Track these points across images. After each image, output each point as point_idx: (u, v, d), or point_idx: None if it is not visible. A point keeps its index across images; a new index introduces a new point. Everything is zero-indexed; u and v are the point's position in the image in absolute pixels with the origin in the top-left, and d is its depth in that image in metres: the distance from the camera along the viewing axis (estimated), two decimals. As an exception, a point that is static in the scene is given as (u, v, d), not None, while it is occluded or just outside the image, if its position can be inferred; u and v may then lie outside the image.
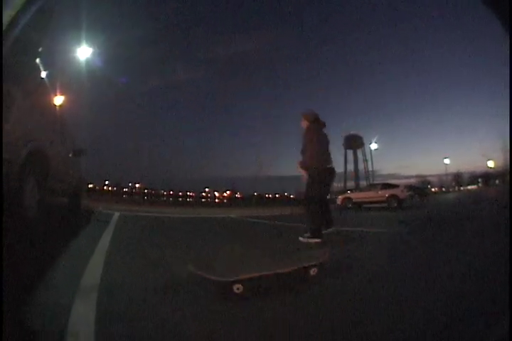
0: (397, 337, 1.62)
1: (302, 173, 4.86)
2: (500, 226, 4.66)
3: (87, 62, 12.41)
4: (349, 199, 17.73)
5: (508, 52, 1.28)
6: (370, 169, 57.43)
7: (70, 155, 5.89)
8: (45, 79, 4.07)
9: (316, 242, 4.23)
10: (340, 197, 18.60)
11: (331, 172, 4.95)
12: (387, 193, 16.05)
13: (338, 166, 56.02)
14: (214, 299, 2.18)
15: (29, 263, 2.53)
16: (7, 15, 1.47)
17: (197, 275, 2.27)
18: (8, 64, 1.81)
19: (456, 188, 54.40)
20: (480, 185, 51.68)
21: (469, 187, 53.91)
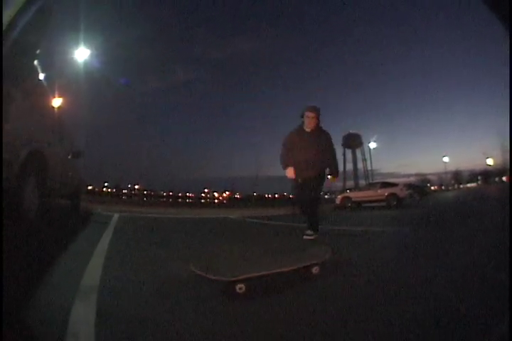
0: (397, 337, 1.63)
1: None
2: (500, 224, 4.67)
3: (85, 63, 12.42)
4: (348, 198, 17.71)
5: (508, 52, 1.28)
6: (369, 168, 57.46)
7: (69, 156, 5.89)
8: (44, 81, 4.08)
9: (310, 239, 4.43)
10: (339, 196, 18.58)
11: (314, 178, 4.69)
12: (386, 192, 16.05)
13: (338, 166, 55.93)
14: (214, 299, 2.18)
15: (28, 264, 2.53)
16: (6, 16, 1.48)
17: (198, 275, 2.27)
18: (7, 66, 1.82)
19: (456, 186, 54.47)
20: (479, 182, 51.75)
21: (469, 185, 53.99)
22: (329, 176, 4.89)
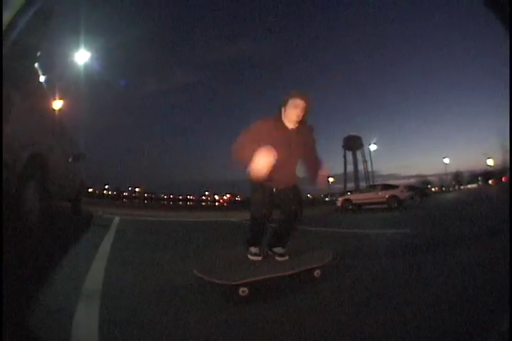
0: (397, 337, 1.62)
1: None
2: (500, 225, 4.66)
3: (86, 66, 12.43)
4: (349, 200, 17.68)
5: (508, 52, 1.28)
6: (370, 170, 57.47)
7: (70, 159, 5.88)
8: (44, 83, 4.07)
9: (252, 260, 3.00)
10: (340, 198, 18.55)
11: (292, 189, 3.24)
12: (387, 194, 16.02)
13: (338, 167, 56.03)
14: (217, 303, 2.18)
15: (30, 268, 2.53)
16: (6, 18, 1.47)
17: (200, 278, 2.29)
18: (7, 68, 1.81)
19: (456, 187, 54.43)
20: (480, 183, 51.69)
21: (469, 186, 53.94)
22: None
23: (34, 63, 3.45)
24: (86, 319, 1.81)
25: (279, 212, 2.99)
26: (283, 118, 3.19)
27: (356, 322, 1.82)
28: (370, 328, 1.72)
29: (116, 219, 7.79)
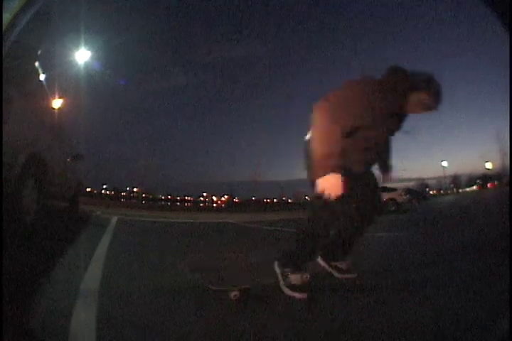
0: (397, 337, 1.62)
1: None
2: (498, 227, 4.68)
3: (86, 65, 12.42)
4: (347, 203, 17.66)
5: (508, 52, 1.28)
6: (368, 173, 57.51)
7: (68, 159, 5.87)
8: (44, 82, 4.07)
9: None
10: (338, 201, 18.57)
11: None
12: (385, 197, 16.04)
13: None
14: (214, 304, 2.18)
15: (28, 267, 2.52)
16: (6, 18, 1.47)
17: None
18: (7, 67, 1.81)
19: (455, 190, 54.49)
20: (496, 183, 51.61)
21: (468, 189, 53.98)
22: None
23: (34, 62, 3.45)
24: (84, 319, 1.81)
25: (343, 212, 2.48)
26: (410, 104, 2.30)
27: (355, 323, 1.82)
28: (370, 330, 1.72)
29: (114, 219, 7.79)
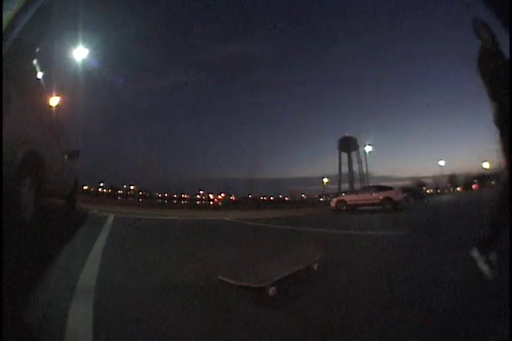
0: (397, 337, 1.64)
1: None
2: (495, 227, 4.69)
3: (84, 63, 12.34)
4: (343, 201, 17.68)
5: (508, 52, 1.29)
6: (365, 171, 57.45)
7: (65, 156, 5.86)
8: (42, 80, 4.06)
9: None
10: (334, 199, 18.56)
11: None
12: (381, 195, 16.04)
13: (333, 169, 55.87)
14: (208, 299, 2.21)
15: (25, 266, 2.53)
16: (7, 17, 1.48)
17: (225, 283, 2.41)
18: (6, 64, 1.81)
19: (452, 190, 54.50)
20: (473, 186, 51.65)
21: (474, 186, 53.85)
22: None
23: (33, 60, 3.45)
24: (81, 315, 1.82)
25: None
26: None
27: (356, 323, 1.84)
28: (372, 329, 1.73)
29: (111, 217, 7.78)
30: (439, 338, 1.61)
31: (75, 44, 11.37)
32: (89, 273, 2.65)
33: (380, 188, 17.07)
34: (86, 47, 12.03)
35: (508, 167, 2.77)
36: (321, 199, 38.07)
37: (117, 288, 2.42)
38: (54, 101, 4.78)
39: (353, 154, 60.65)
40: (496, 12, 1.35)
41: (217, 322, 1.85)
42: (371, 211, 14.75)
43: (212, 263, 3.32)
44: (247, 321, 1.92)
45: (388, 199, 15.68)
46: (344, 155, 60.65)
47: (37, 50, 3.05)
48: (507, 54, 1.31)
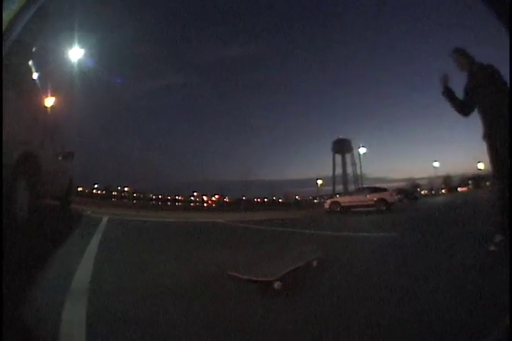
0: (397, 337, 1.65)
1: None
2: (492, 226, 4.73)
3: (79, 63, 12.28)
4: (337, 203, 17.70)
5: (508, 52, 1.30)
6: (359, 173, 57.58)
7: (60, 157, 5.84)
8: (37, 81, 4.05)
9: None
10: (328, 201, 18.59)
11: None
12: (375, 197, 16.08)
13: (327, 170, 55.98)
14: (201, 299, 2.24)
15: (18, 266, 2.52)
16: (6, 17, 1.48)
17: (236, 278, 2.62)
18: (5, 65, 1.81)
19: (445, 191, 54.72)
20: (470, 187, 51.83)
21: (459, 189, 54.10)
22: None
23: (29, 60, 3.44)
24: (75, 315, 1.83)
25: None
26: None
27: (354, 322, 1.85)
28: (371, 329, 1.75)
29: (105, 218, 7.77)
30: (438, 337, 1.62)
31: (70, 44, 11.33)
32: (83, 274, 2.65)
33: (374, 190, 17.12)
34: (82, 47, 11.99)
35: (508, 167, 2.84)
36: (315, 200, 38.19)
37: (111, 288, 2.43)
38: (49, 101, 4.77)
39: (347, 156, 60.68)
40: (496, 12, 1.36)
41: (213, 324, 1.86)
42: (365, 212, 14.75)
43: (201, 264, 3.34)
44: (257, 312, 1.99)
45: (382, 200, 15.72)
46: (338, 157, 60.72)
47: (33, 50, 3.05)
48: (507, 54, 1.33)
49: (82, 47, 11.98)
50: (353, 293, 2.40)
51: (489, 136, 3.23)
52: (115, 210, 12.35)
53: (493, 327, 1.31)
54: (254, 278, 2.56)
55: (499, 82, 3.14)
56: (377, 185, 18.44)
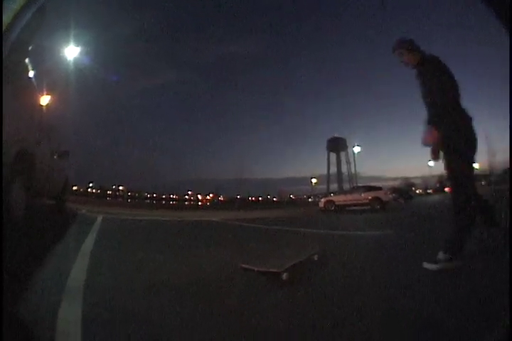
0: (397, 337, 1.67)
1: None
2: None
3: (75, 61, 12.20)
4: (331, 202, 17.71)
5: (508, 52, 1.31)
6: (354, 172, 57.71)
7: (55, 156, 5.82)
8: (33, 79, 4.04)
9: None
10: (322, 199, 18.59)
11: None
12: (370, 196, 16.11)
13: (322, 169, 56.12)
14: (197, 299, 2.25)
15: (14, 265, 2.52)
16: (7, 16, 1.48)
17: (247, 269, 2.82)
18: (4, 64, 1.81)
19: (441, 190, 54.93)
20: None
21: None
22: None
23: (25, 58, 3.43)
24: (70, 314, 1.85)
25: None
26: None
27: (352, 323, 1.87)
28: (371, 328, 1.76)
29: (100, 217, 7.75)
30: (438, 337, 1.63)
31: (66, 42, 11.27)
32: (78, 274, 2.66)
33: (369, 188, 17.14)
34: (77, 45, 11.91)
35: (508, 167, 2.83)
36: (310, 199, 38.28)
37: (106, 287, 2.44)
38: (45, 100, 4.75)
39: (342, 154, 60.97)
40: (496, 12, 1.37)
41: (208, 323, 1.88)
42: (360, 211, 14.78)
43: (196, 262, 3.39)
44: (254, 310, 2.03)
45: (377, 199, 15.76)
46: (333, 156, 60.96)
47: (29, 48, 3.04)
48: (507, 54, 1.34)
49: (78, 46, 11.92)
50: (346, 291, 2.42)
51: (434, 122, 2.95)
52: (110, 209, 12.32)
53: (493, 328, 1.32)
54: (266, 270, 2.72)
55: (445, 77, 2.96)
56: (372, 184, 18.47)
